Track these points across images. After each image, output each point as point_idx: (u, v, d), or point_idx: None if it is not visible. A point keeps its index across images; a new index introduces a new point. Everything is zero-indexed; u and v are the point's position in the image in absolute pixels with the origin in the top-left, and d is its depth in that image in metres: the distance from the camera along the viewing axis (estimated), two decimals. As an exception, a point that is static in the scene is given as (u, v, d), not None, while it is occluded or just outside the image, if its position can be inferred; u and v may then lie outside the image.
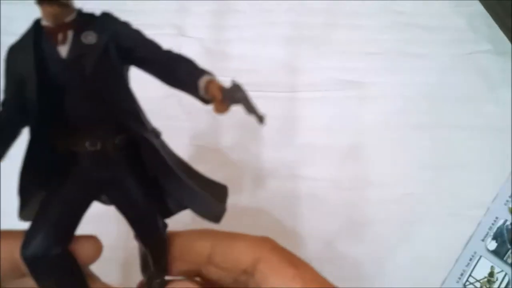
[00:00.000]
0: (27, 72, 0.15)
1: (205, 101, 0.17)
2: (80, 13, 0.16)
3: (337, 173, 0.37)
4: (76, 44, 0.15)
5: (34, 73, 0.15)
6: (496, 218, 0.36)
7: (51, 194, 0.16)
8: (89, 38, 0.15)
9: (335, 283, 0.34)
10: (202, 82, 0.16)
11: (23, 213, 0.17)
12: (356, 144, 0.38)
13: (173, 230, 0.19)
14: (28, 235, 0.15)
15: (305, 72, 0.40)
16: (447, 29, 0.41)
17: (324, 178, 0.37)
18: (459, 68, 0.40)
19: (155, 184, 0.18)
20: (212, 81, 0.16)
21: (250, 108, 0.16)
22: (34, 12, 0.48)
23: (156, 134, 0.18)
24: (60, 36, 0.15)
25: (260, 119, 0.16)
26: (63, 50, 0.15)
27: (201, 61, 0.43)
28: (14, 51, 0.16)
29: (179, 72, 0.16)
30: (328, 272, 0.37)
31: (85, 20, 0.16)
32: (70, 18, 0.15)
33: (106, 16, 0.16)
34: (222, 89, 0.16)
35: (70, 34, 0.15)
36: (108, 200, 0.17)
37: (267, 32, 0.41)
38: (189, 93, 0.17)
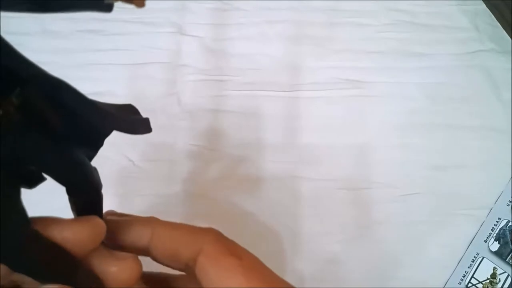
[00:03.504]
0: None
1: (108, 7, 0.15)
2: None
3: (339, 173, 0.37)
4: None
5: None
6: (499, 218, 0.36)
7: None
8: None
9: (338, 284, 0.34)
10: None
11: None
12: (358, 144, 0.37)
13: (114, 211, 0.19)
14: None
15: (307, 71, 0.39)
16: (450, 28, 0.41)
17: (326, 178, 0.36)
18: (463, 68, 0.40)
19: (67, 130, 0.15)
20: None
21: None
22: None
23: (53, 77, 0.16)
24: None
25: None
26: None
27: (201, 60, 0.43)
28: None
29: None
30: (330, 273, 0.37)
31: None
32: None
33: None
34: None
35: None
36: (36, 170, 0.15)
37: (268, 31, 0.41)
38: (88, 9, 0.15)
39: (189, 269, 0.18)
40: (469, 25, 0.41)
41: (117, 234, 0.18)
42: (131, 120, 0.17)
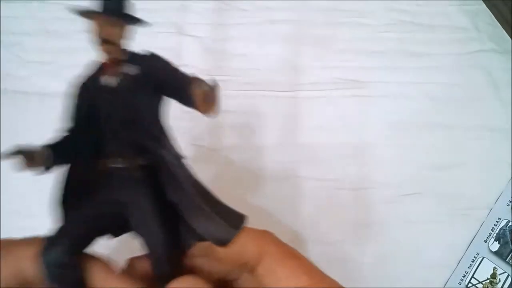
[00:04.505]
0: (83, 101, 0.19)
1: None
2: (130, 52, 0.20)
3: (338, 173, 0.37)
4: (120, 74, 0.19)
5: (87, 100, 0.19)
6: (499, 219, 0.36)
7: (75, 209, 0.18)
8: (131, 69, 0.19)
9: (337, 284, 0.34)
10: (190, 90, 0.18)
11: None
12: (358, 144, 0.37)
13: None
14: (49, 242, 0.17)
15: (307, 71, 0.39)
16: (450, 28, 0.41)
17: (326, 178, 0.36)
18: (463, 67, 0.40)
19: (171, 212, 0.18)
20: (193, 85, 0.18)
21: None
22: (34, 12, 0.48)
23: (178, 157, 0.20)
24: (111, 70, 0.19)
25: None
26: (110, 80, 0.19)
27: (201, 60, 0.43)
28: (76, 86, 0.20)
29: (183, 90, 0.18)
30: (330, 273, 0.37)
31: (134, 58, 0.19)
32: (121, 56, 0.19)
33: (152, 55, 0.20)
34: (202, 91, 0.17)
35: (119, 68, 0.19)
36: (128, 223, 0.19)
37: (268, 31, 0.41)
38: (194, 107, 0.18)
39: (236, 271, 0.20)
40: (469, 25, 0.41)
41: None
42: (221, 233, 0.18)
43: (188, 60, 0.39)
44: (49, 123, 0.37)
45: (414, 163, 0.37)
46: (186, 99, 0.18)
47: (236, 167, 0.37)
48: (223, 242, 0.18)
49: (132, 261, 0.19)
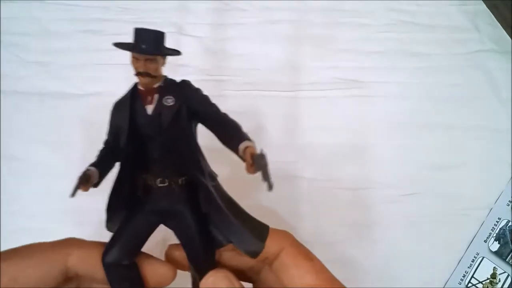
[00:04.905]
0: (123, 123, 0.21)
1: (243, 159, 0.21)
2: (165, 79, 0.22)
3: (338, 173, 0.37)
4: (159, 104, 0.21)
5: (127, 123, 0.21)
6: (499, 219, 0.36)
7: (127, 218, 0.21)
8: (169, 101, 0.21)
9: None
10: (242, 146, 0.21)
11: (108, 225, 0.22)
12: (358, 144, 0.37)
13: None
14: (108, 247, 0.21)
15: (307, 71, 0.39)
16: (450, 28, 0.41)
17: (326, 178, 0.36)
18: (463, 67, 0.40)
19: (205, 219, 0.21)
20: (248, 147, 0.20)
21: (266, 176, 0.19)
22: (34, 12, 0.48)
23: (212, 177, 0.22)
24: (149, 98, 0.21)
25: (270, 187, 0.19)
26: (149, 108, 0.21)
27: (201, 60, 0.43)
28: (116, 106, 0.22)
29: (228, 134, 0.22)
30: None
31: (168, 86, 0.21)
32: (157, 84, 0.21)
33: (184, 84, 0.22)
34: (253, 154, 0.20)
35: (156, 96, 0.21)
36: (168, 227, 0.22)
37: (268, 31, 0.41)
38: (233, 152, 0.21)
39: (259, 265, 0.22)
40: (469, 25, 0.41)
41: None
42: (251, 245, 0.21)
43: (188, 60, 0.39)
44: (49, 123, 0.37)
45: (414, 163, 0.37)
46: (230, 146, 0.21)
47: (236, 167, 0.37)
48: (253, 255, 0.21)
49: (171, 247, 0.23)
